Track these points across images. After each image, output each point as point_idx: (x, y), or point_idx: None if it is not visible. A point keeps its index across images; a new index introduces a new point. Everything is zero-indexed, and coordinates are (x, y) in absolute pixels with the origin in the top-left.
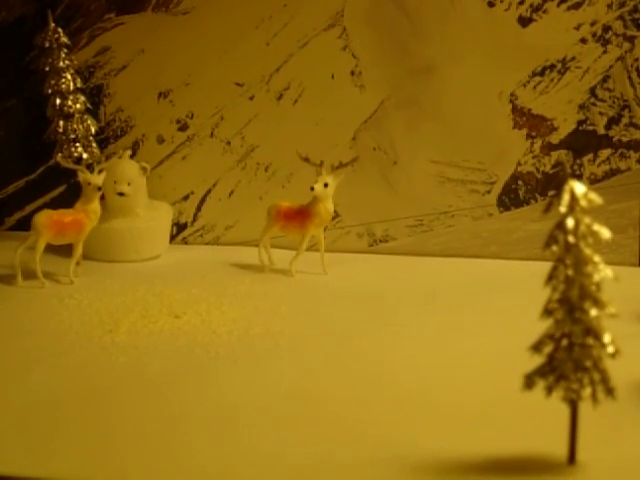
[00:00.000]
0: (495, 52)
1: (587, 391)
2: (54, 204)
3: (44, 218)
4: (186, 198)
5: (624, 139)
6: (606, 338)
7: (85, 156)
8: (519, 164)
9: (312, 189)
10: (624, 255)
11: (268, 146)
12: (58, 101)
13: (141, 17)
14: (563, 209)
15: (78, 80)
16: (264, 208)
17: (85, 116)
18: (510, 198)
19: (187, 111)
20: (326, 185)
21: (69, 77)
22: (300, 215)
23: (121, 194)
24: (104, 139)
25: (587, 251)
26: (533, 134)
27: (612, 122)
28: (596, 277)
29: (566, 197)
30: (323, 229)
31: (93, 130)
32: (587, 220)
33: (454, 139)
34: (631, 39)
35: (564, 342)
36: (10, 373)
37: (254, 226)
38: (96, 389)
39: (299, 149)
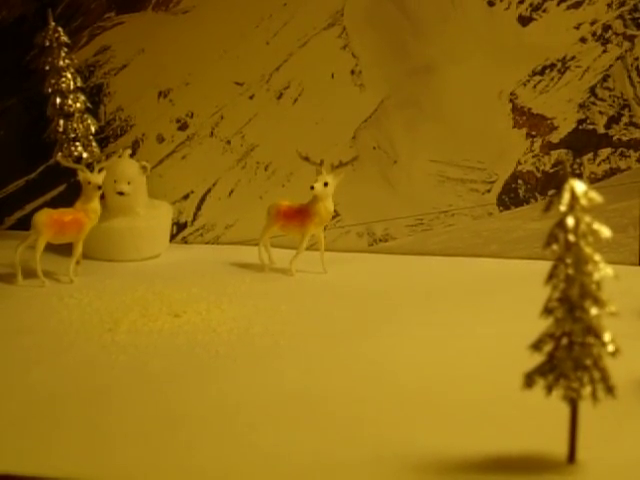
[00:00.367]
0: (495, 51)
1: (587, 390)
2: (54, 203)
3: (44, 217)
4: (186, 197)
5: (624, 138)
6: (606, 337)
7: (85, 155)
8: (519, 163)
9: (312, 188)
10: (624, 254)
11: (268, 145)
12: (58, 100)
13: (141, 16)
14: (563, 208)
15: (78, 79)
16: (264, 207)
17: (85, 115)
18: (510, 197)
19: (187, 110)
20: (326, 184)
21: (69, 76)
22: (300, 214)
23: (121, 193)
24: (104, 138)
25: (587, 250)
26: (533, 133)
27: (612, 121)
28: (596, 276)
29: (566, 196)
30: (323, 228)
31: (93, 129)
32: (587, 219)
33: (454, 138)
34: (631, 38)
35: (564, 341)
36: (10, 371)
37: (254, 225)
38: (96, 387)
39: (299, 148)
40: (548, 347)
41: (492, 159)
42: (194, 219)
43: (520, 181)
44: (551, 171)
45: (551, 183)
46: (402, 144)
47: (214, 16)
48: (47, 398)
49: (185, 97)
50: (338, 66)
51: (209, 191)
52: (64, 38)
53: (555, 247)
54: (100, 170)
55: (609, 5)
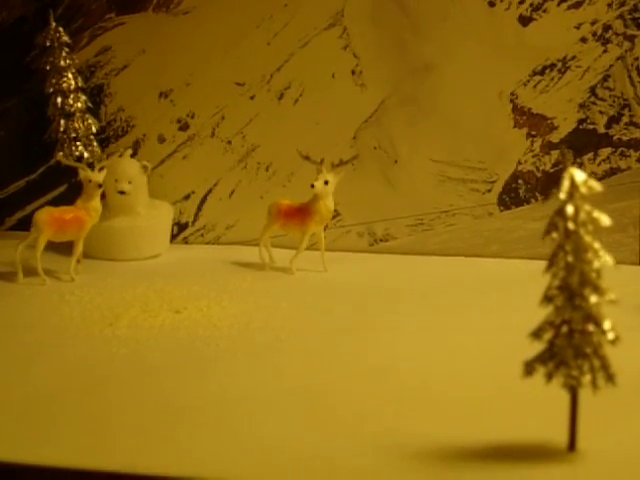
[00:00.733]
0: (495, 51)
1: (587, 378)
2: (55, 204)
3: (45, 215)
4: (187, 198)
5: (624, 138)
6: (606, 325)
7: (86, 155)
8: (519, 163)
9: (312, 187)
10: (624, 254)
11: (269, 145)
12: (59, 100)
13: (142, 17)
14: (563, 196)
15: (79, 79)
16: (265, 207)
17: (86, 115)
18: (510, 197)
19: (188, 111)
20: (326, 183)
21: (70, 76)
22: (300, 213)
23: (122, 192)
24: (105, 138)
25: (587, 238)
26: (533, 133)
27: (612, 121)
28: (596, 264)
29: (566, 184)
30: (323, 227)
31: (94, 129)
32: (587, 207)
33: (454, 138)
34: (631, 38)
35: (564, 329)
36: (11, 365)
37: (255, 225)
38: (96, 380)
39: (300, 148)
40: (548, 335)
41: (493, 159)
42: (195, 219)
43: (520, 181)
44: (551, 171)
45: (551, 183)
46: (403, 144)
47: (215, 17)
48: (48, 390)
49: (186, 97)
50: (339, 66)
51: (210, 191)
52: (65, 38)
53: (555, 235)
54: (101, 169)
55: (609, 5)
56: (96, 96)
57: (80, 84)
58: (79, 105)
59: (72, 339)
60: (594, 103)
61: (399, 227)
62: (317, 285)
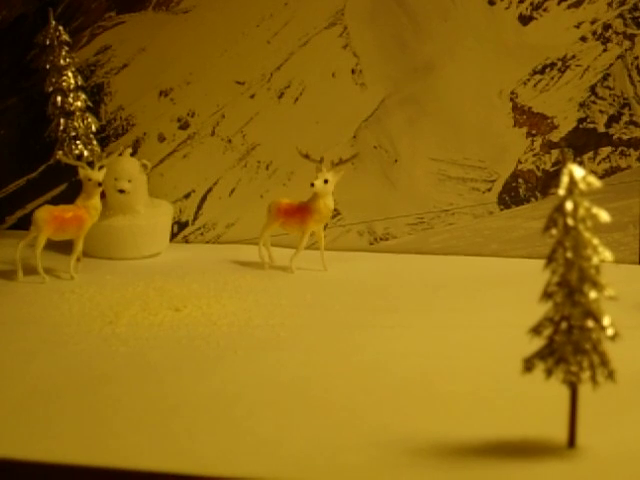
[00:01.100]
0: (495, 50)
1: (587, 374)
2: (55, 202)
3: (45, 213)
4: (187, 196)
5: (624, 137)
6: (605, 321)
7: (86, 154)
8: (519, 162)
9: (312, 185)
10: (624, 253)
11: (269, 144)
12: (59, 99)
13: (142, 16)
14: (562, 192)
15: (79, 78)
16: (265, 206)
17: (86, 114)
18: (510, 196)
19: (188, 109)
20: (326, 181)
21: (70, 75)
22: (300, 211)
23: (121, 191)
24: (105, 137)
25: (586, 234)
26: (533, 132)
27: (612, 120)
28: (595, 260)
29: (565, 180)
30: (323, 226)
31: (94, 128)
32: (586, 203)
33: (455, 137)
34: (631, 37)
35: (563, 325)
36: (11, 363)
37: (255, 224)
38: (96, 377)
39: (299, 146)
40: (547, 331)
41: (493, 158)
42: (195, 218)
43: (520, 180)
44: (551, 170)
45: (551, 182)
46: (403, 143)
47: (215, 15)
48: (48, 387)
49: (186, 96)
50: (339, 65)
51: (210, 190)
52: (65, 37)
53: (554, 231)
54: (100, 167)
55: (609, 4)
56: (96, 95)
57: (80, 83)
58: (79, 104)
59: (72, 337)
60: (594, 102)
61: (399, 226)
62: (317, 283)
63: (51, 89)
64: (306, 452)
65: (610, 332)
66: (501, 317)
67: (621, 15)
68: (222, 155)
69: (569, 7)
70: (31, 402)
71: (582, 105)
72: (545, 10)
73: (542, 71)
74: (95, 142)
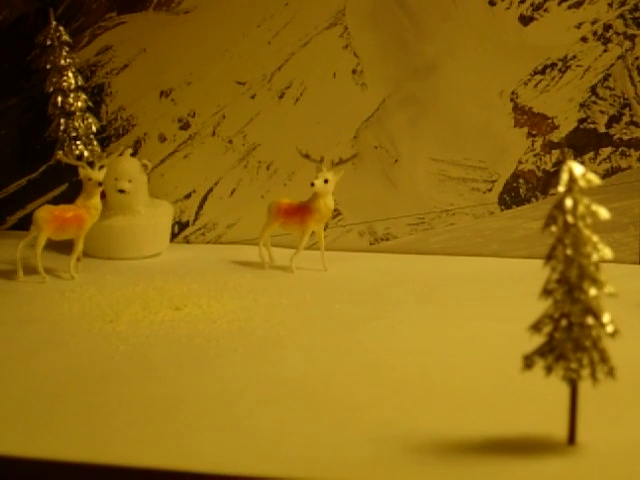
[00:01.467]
0: (496, 51)
1: (586, 371)
2: (56, 202)
3: (45, 213)
4: (188, 197)
5: (625, 137)
6: (605, 318)
7: (86, 154)
8: (520, 162)
9: (312, 185)
10: (625, 253)
11: (270, 145)
12: (59, 99)
13: (142, 16)
14: (561, 189)
15: (79, 78)
16: (266, 206)
17: (86, 114)
18: (511, 196)
19: (189, 110)
20: (326, 181)
21: (70, 75)
22: (300, 211)
23: (122, 191)
24: (106, 138)
25: (586, 231)
26: (534, 132)
27: (613, 120)
28: (595, 257)
29: (564, 177)
30: (323, 226)
31: (94, 128)
32: (586, 200)
33: (455, 137)
34: (632, 38)
35: (563, 322)
36: (12, 362)
37: (256, 224)
38: (97, 376)
39: (299, 146)
40: (547, 328)
41: (493, 158)
42: (196, 218)
43: (521, 180)
44: (552, 170)
45: (552, 182)
46: (403, 143)
47: (215, 16)
48: (49, 386)
49: (187, 96)
50: (340, 65)
51: (211, 190)
52: (65, 37)
53: (554, 228)
54: (101, 167)
55: (610, 5)
56: (97, 95)
57: (80, 83)
58: (79, 104)
59: (72, 336)
60: (595, 102)
61: (400, 226)
62: (317, 283)
63: (52, 89)
64: (307, 449)
65: (610, 329)
66: (501, 314)
67: (622, 15)
68: (223, 155)
69: (570, 7)
70: (32, 400)
71: (583, 105)
72: (546, 10)
73: (543, 71)
74: (95, 142)
